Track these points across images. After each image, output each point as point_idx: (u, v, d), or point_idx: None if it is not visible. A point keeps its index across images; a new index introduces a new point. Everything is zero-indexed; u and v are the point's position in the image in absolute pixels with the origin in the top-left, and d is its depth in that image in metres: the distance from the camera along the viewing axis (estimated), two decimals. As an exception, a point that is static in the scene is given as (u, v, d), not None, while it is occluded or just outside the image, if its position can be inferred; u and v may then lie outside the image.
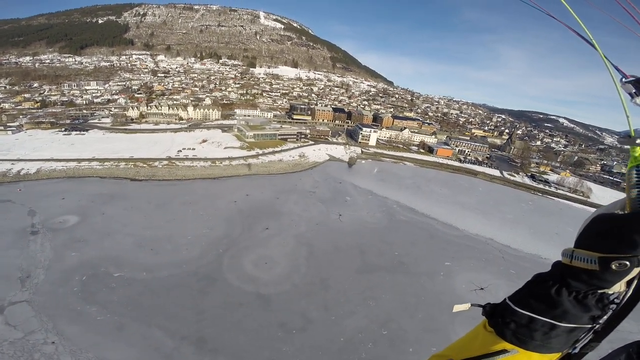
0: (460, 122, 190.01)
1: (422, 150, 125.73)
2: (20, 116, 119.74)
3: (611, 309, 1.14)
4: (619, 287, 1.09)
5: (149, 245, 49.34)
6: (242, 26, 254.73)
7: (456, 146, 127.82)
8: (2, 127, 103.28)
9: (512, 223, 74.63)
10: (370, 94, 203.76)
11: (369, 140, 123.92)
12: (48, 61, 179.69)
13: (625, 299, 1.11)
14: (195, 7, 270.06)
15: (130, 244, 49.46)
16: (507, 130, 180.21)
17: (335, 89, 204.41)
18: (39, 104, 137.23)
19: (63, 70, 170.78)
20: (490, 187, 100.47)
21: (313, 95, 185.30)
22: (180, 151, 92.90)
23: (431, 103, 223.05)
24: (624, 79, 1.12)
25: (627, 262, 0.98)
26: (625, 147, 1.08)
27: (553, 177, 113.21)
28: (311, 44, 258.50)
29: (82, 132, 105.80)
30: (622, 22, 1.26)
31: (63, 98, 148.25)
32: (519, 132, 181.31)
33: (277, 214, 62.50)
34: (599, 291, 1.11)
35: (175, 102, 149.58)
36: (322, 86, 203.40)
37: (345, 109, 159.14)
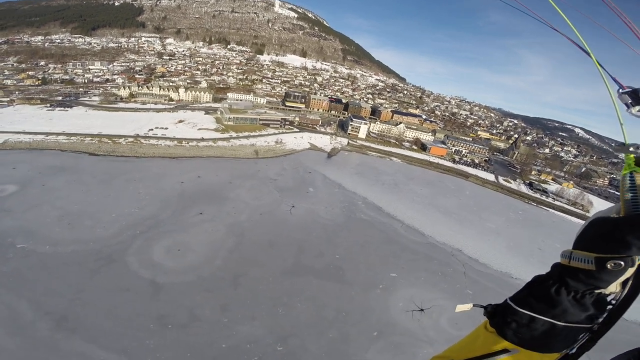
0: (468, 124, 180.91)
1: (414, 147, 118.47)
2: (17, 92, 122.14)
3: (607, 311, 1.20)
4: (614, 288, 1.15)
5: (69, 220, 47.21)
6: (255, 13, 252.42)
7: (453, 146, 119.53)
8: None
9: (492, 233, 67.39)
10: (377, 88, 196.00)
11: (358, 132, 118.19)
12: (58, 41, 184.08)
13: (620, 299, 1.17)
14: None
15: (51, 217, 47.54)
16: (515, 135, 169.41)
17: (341, 80, 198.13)
18: (40, 81, 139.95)
19: (71, 50, 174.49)
20: (479, 191, 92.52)
21: (315, 84, 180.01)
22: (152, 130, 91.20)
23: (441, 102, 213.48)
24: (620, 90, 1.18)
25: (622, 262, 1.05)
26: (621, 154, 1.14)
27: (553, 187, 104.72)
28: (323, 35, 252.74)
29: (66, 109, 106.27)
30: (618, 35, 1.39)
31: (65, 76, 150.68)
32: (529, 138, 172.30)
33: (221, 199, 58.94)
34: (596, 291, 1.17)
35: (171, 83, 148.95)
36: (328, 77, 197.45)
37: (344, 100, 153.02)
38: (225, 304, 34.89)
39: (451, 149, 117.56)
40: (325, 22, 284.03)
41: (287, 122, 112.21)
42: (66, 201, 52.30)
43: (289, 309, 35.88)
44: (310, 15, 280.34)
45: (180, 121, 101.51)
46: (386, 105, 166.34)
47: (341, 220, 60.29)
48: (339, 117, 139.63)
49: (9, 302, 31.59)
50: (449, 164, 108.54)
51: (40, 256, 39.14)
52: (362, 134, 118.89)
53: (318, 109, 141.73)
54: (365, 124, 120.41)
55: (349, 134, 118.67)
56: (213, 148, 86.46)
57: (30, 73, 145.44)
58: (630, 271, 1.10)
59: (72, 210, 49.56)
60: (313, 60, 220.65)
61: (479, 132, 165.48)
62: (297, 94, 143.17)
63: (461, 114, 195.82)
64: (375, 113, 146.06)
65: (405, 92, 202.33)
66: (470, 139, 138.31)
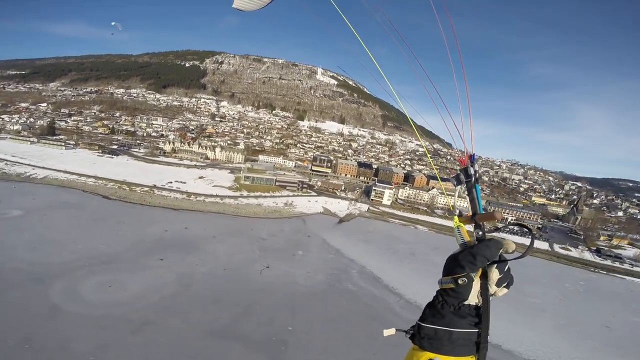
0: (521, 189, 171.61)
1: (448, 215, 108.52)
2: (86, 137, 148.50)
3: (479, 316, 1.72)
4: (475, 299, 1.70)
5: (37, 245, 51.57)
6: (300, 80, 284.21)
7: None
8: (63, 144, 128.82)
9: (533, 310, 54.72)
10: (418, 153, 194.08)
11: (382, 197, 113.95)
12: (135, 95, 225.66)
13: (482, 306, 1.71)
14: (264, 59, 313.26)
15: (23, 240, 52.69)
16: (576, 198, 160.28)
17: (378, 146, 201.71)
18: (109, 130, 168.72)
19: (142, 105, 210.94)
20: (524, 261, 74.49)
21: (349, 150, 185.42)
22: (170, 182, 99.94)
23: (490, 167, 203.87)
24: (451, 176, 1.86)
25: (465, 278, 1.66)
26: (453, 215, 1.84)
27: (631, 251, 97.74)
28: (362, 102, 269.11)
29: (112, 156, 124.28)
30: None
31: (130, 128, 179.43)
32: (596, 201, 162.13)
33: (192, 250, 58.74)
34: (465, 302, 1.69)
35: (214, 143, 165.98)
36: (364, 143, 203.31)
37: (374, 165, 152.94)
38: (105, 345, 32.19)
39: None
40: (365, 89, 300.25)
41: (304, 185, 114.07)
42: (49, 230, 57.41)
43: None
44: (350, 82, 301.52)
45: (200, 177, 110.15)
46: (425, 172, 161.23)
47: (320, 288, 54.18)
48: (367, 183, 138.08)
49: None
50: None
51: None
52: (386, 199, 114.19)
53: (345, 174, 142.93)
54: (390, 189, 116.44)
55: (371, 199, 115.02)
56: (217, 204, 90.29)
57: (105, 122, 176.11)
58: (477, 285, 1.68)
59: (47, 238, 53.85)
60: (351, 127, 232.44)
61: (533, 198, 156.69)
62: (323, 158, 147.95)
63: (513, 179, 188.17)
64: (408, 179, 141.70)
65: (449, 157, 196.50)
66: (521, 206, 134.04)
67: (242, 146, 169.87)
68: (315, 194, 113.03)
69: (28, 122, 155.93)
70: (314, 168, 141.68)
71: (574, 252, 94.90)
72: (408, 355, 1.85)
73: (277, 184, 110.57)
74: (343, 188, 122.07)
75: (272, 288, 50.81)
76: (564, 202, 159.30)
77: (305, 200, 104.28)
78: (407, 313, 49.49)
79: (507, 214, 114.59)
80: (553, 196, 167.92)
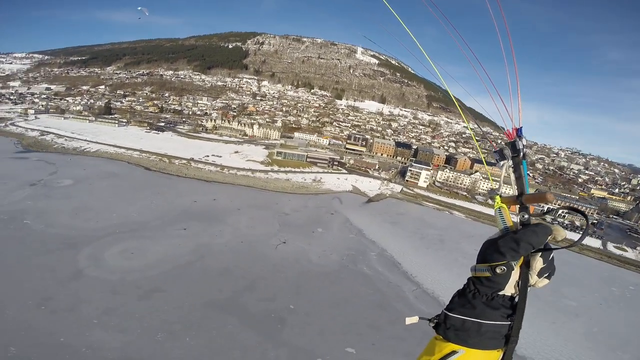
0: (580, 180, 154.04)
1: (490, 202, 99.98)
2: (137, 116, 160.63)
3: (514, 308, 1.60)
4: (512, 289, 1.57)
5: (78, 211, 56.66)
6: (338, 59, 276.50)
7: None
8: (116, 122, 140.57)
9: (566, 314, 48.97)
10: (464, 136, 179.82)
11: (418, 179, 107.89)
12: (182, 76, 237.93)
13: (518, 297, 1.59)
14: (303, 39, 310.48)
15: (69, 207, 58.14)
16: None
17: (420, 127, 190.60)
18: (159, 109, 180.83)
19: (188, 85, 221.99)
20: (569, 259, 68.62)
21: (389, 130, 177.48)
22: (207, 156, 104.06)
23: (547, 154, 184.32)
24: (492, 150, 1.68)
25: (505, 267, 1.51)
26: (491, 197, 1.66)
27: None
28: (406, 81, 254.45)
29: (158, 132, 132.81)
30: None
31: (177, 107, 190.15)
32: None
33: (215, 221, 60.86)
34: (499, 293, 1.57)
35: (253, 121, 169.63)
36: (405, 123, 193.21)
37: (414, 146, 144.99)
38: (111, 309, 34.28)
39: (541, 207, 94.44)
40: (409, 69, 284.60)
41: (335, 163, 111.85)
42: (92, 198, 63.06)
43: (173, 339, 32.11)
44: (393, 61, 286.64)
45: (236, 152, 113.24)
46: (470, 155, 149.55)
47: (333, 268, 53.09)
48: (404, 163, 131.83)
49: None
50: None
51: (30, 231, 47.67)
52: (422, 181, 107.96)
53: (381, 154, 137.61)
54: (428, 170, 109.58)
55: (406, 180, 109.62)
56: (248, 178, 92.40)
57: (155, 102, 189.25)
58: (516, 274, 1.54)
59: (89, 205, 59.18)
60: (392, 107, 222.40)
61: (592, 191, 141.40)
62: (358, 136, 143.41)
63: (572, 169, 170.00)
64: (450, 161, 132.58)
65: (498, 141, 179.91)
66: (575, 197, 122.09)
67: (279, 124, 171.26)
68: (346, 171, 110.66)
69: (88, 103, 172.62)
70: (348, 146, 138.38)
71: (630, 253, 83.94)
72: (429, 345, 1.75)
73: (307, 160, 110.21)
74: (377, 167, 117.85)
75: (283, 264, 50.93)
76: (629, 198, 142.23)
77: (334, 178, 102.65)
78: (420, 304, 46.36)
79: (558, 205, 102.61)
80: (617, 190, 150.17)
